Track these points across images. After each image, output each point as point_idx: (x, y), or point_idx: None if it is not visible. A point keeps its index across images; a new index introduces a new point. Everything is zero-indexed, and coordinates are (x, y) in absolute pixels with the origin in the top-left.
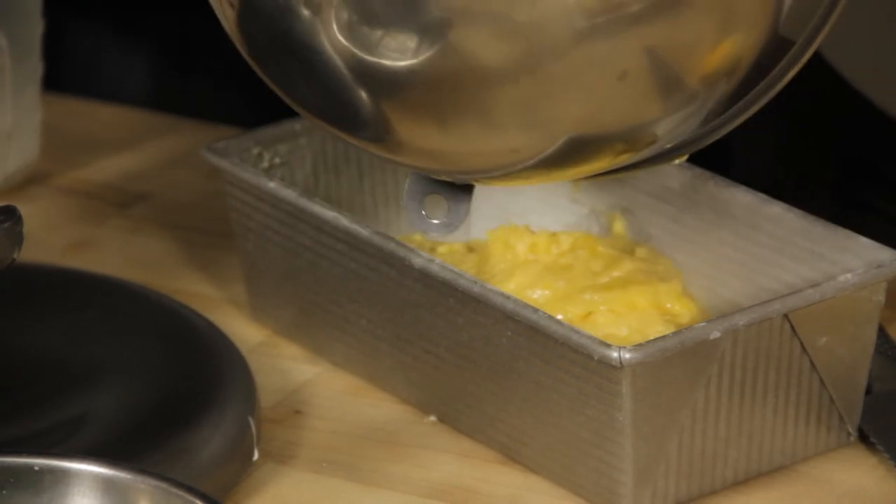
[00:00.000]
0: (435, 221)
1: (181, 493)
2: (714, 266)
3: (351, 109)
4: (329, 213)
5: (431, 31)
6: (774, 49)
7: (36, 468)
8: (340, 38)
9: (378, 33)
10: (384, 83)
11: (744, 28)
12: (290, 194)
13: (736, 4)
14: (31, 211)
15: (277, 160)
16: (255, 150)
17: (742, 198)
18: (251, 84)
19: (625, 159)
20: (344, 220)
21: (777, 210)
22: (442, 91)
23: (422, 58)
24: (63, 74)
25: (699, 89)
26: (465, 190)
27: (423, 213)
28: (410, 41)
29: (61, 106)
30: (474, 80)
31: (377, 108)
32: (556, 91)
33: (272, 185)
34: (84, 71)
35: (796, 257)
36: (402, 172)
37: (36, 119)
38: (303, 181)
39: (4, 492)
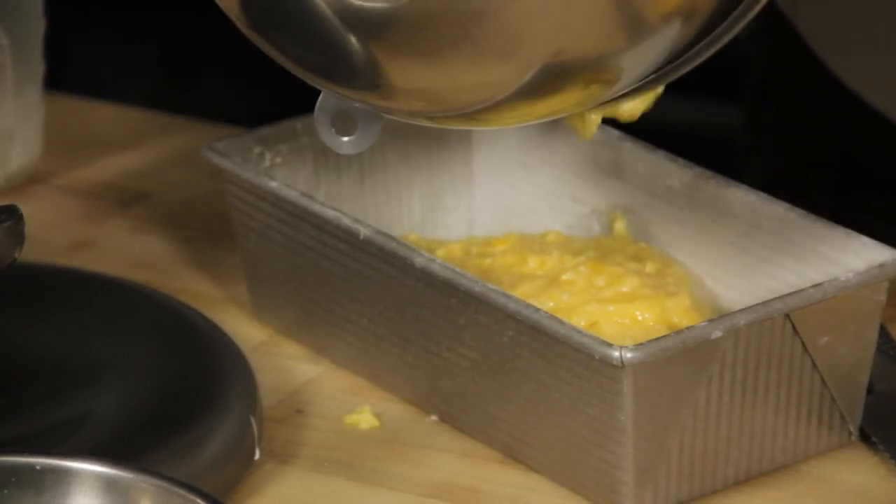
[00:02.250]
0: (345, 139)
1: (182, 492)
2: (715, 265)
3: (345, 60)
4: (330, 213)
5: None
6: None
7: (37, 467)
8: None
9: None
10: (371, 26)
11: None
12: (291, 194)
13: None
14: (33, 210)
15: (279, 160)
16: (257, 150)
17: (743, 197)
18: (252, 84)
19: (594, 92)
20: (345, 220)
21: (778, 209)
22: (426, 28)
23: None
24: (65, 74)
25: (659, 25)
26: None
27: (333, 129)
28: None
29: (63, 105)
30: (455, 15)
31: (367, 53)
32: (530, 22)
33: (273, 184)
34: (86, 70)
35: (798, 257)
36: (403, 172)
37: (37, 118)
38: (304, 181)
39: (6, 491)
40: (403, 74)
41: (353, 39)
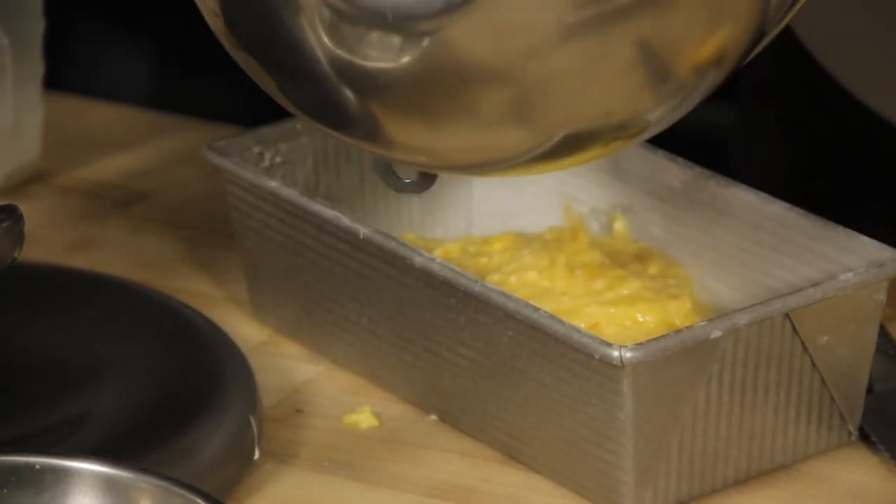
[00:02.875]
0: (407, 180)
1: (182, 492)
2: (715, 265)
3: (340, 109)
4: (330, 213)
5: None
6: (759, 36)
7: (37, 467)
8: (325, 39)
9: (360, 33)
10: (369, 84)
11: (732, 19)
12: (291, 193)
13: None
14: (32, 210)
15: (278, 159)
16: (257, 150)
17: (743, 197)
18: (252, 84)
19: (617, 146)
20: (345, 220)
21: (778, 209)
22: (429, 91)
23: (406, 59)
24: (64, 73)
25: (690, 79)
26: None
27: (392, 172)
28: (394, 41)
29: (62, 105)
30: (462, 81)
31: (365, 107)
32: (546, 88)
33: (273, 184)
34: (85, 70)
35: (797, 256)
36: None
37: (37, 118)
38: (304, 180)
39: (6, 491)
40: (403, 132)
41: (348, 93)
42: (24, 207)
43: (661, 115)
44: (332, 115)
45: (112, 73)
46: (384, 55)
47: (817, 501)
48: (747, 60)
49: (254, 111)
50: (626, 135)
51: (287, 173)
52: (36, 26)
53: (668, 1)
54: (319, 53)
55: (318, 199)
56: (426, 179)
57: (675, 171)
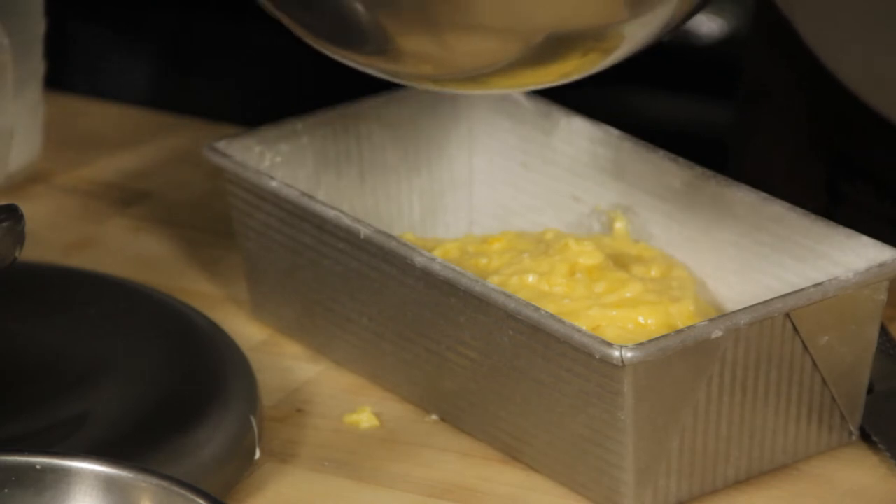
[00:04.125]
0: None
1: (183, 491)
2: (715, 265)
3: (353, 27)
4: (330, 212)
5: None
6: None
7: (38, 467)
8: None
9: None
10: None
11: None
12: (291, 193)
13: None
14: (33, 210)
15: (279, 159)
16: (257, 149)
17: (743, 196)
18: (253, 83)
19: (593, 59)
20: (345, 219)
21: (778, 209)
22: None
23: None
24: (65, 73)
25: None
26: None
27: None
28: None
29: (63, 105)
30: None
31: (375, 21)
32: None
33: (274, 184)
34: (86, 70)
35: (798, 256)
36: (403, 172)
37: (38, 118)
38: (304, 180)
39: (6, 490)
40: (411, 40)
41: (360, 7)
42: (25, 207)
43: (633, 32)
44: (344, 35)
45: (112, 72)
46: None
47: (817, 501)
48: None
49: (255, 111)
50: (601, 47)
51: (287, 173)
52: (36, 26)
53: None
54: None
55: (319, 199)
56: None
57: (675, 171)
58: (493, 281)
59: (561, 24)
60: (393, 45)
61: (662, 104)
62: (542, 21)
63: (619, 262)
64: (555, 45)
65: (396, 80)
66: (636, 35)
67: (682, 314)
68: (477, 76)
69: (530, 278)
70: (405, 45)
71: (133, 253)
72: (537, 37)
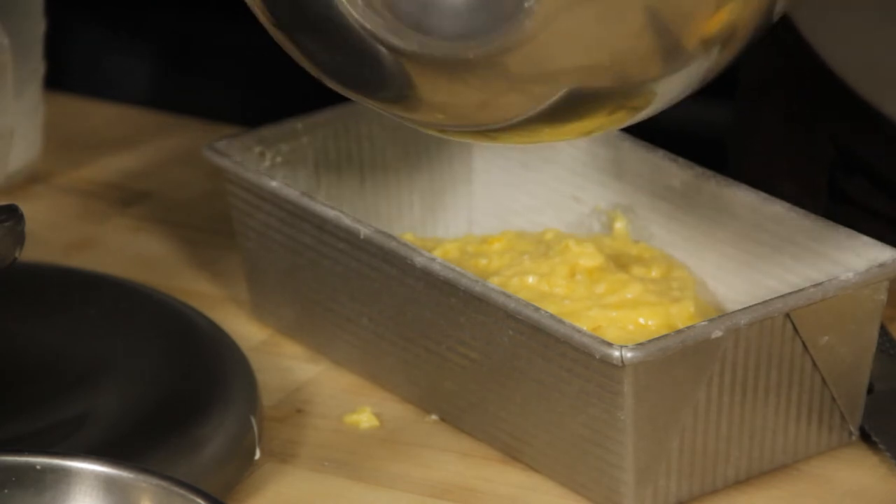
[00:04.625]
0: None
1: (183, 491)
2: (715, 265)
3: (373, 72)
4: (331, 213)
5: None
6: (769, 17)
7: (38, 467)
8: (360, 6)
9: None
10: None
11: None
12: (291, 193)
13: None
14: (33, 210)
15: (279, 159)
16: (257, 150)
17: (743, 196)
18: (253, 83)
19: (620, 118)
20: (345, 220)
21: (778, 209)
22: (456, 52)
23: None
24: (65, 73)
25: (699, 53)
26: None
27: None
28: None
29: (63, 105)
30: (484, 42)
31: (398, 67)
32: (560, 45)
33: (274, 184)
34: (86, 70)
35: (798, 256)
36: (403, 172)
37: (38, 118)
38: (304, 180)
39: (6, 491)
40: (431, 89)
41: (384, 52)
42: (25, 207)
43: (667, 89)
44: (364, 79)
45: (112, 72)
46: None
47: (817, 501)
48: (753, 44)
49: (255, 111)
50: (630, 104)
51: (287, 173)
52: (36, 26)
53: None
54: (351, 19)
55: (319, 199)
56: None
57: (675, 171)
58: (494, 282)
59: (584, 80)
60: (411, 93)
61: None
62: (565, 76)
63: (619, 262)
64: (580, 103)
65: (400, 121)
66: (668, 91)
67: (683, 315)
68: (489, 131)
69: (530, 279)
70: (423, 94)
71: (133, 253)
72: (557, 93)
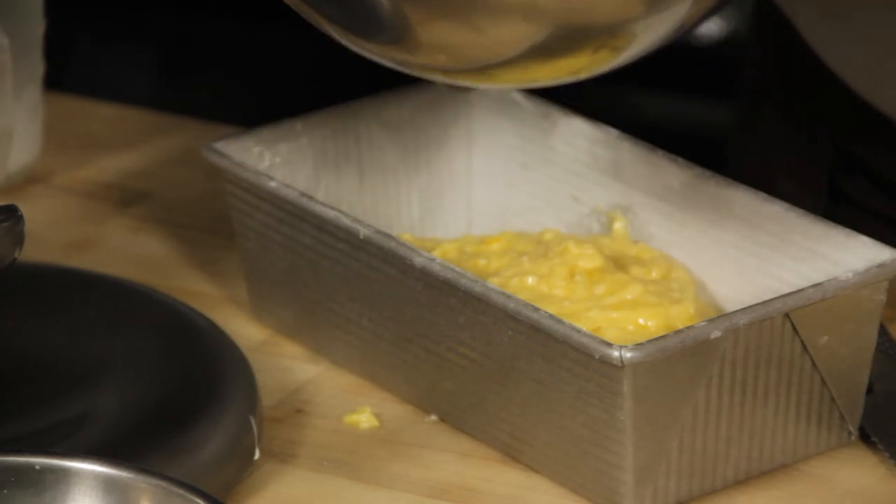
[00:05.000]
0: None
1: (182, 492)
2: (715, 265)
3: (373, 16)
4: (330, 213)
5: None
6: None
7: (37, 467)
8: None
9: None
10: None
11: None
12: (291, 193)
13: None
14: (32, 210)
15: (278, 159)
16: (256, 150)
17: (743, 196)
18: (252, 84)
19: (603, 57)
20: (345, 220)
21: (778, 209)
22: None
23: None
24: (65, 73)
25: None
26: None
27: None
28: None
29: (62, 105)
30: None
31: (397, 9)
32: None
33: (273, 184)
34: (86, 70)
35: (797, 256)
36: (402, 172)
37: (37, 118)
38: (304, 180)
39: (6, 491)
40: (430, 30)
41: None
42: (25, 208)
43: (647, 31)
44: (365, 23)
45: (112, 73)
46: None
47: (817, 501)
48: None
49: (254, 111)
50: (611, 44)
51: (287, 173)
52: (36, 26)
53: None
54: None
55: (318, 200)
56: None
57: (674, 171)
58: (493, 282)
59: (577, 13)
60: (410, 34)
61: (662, 104)
62: (553, 12)
63: (619, 262)
64: (567, 38)
65: (406, 71)
66: (649, 33)
67: (683, 316)
68: (488, 69)
69: (530, 280)
70: (422, 36)
71: (133, 253)
72: (553, 24)
